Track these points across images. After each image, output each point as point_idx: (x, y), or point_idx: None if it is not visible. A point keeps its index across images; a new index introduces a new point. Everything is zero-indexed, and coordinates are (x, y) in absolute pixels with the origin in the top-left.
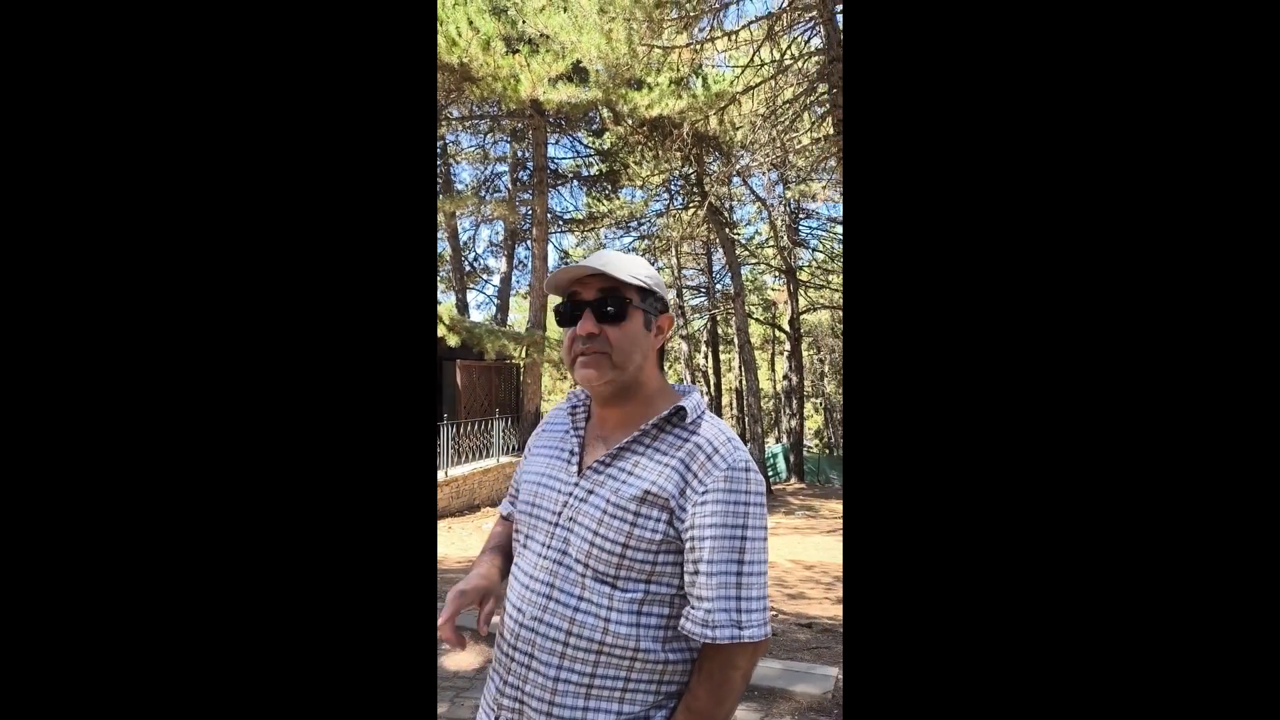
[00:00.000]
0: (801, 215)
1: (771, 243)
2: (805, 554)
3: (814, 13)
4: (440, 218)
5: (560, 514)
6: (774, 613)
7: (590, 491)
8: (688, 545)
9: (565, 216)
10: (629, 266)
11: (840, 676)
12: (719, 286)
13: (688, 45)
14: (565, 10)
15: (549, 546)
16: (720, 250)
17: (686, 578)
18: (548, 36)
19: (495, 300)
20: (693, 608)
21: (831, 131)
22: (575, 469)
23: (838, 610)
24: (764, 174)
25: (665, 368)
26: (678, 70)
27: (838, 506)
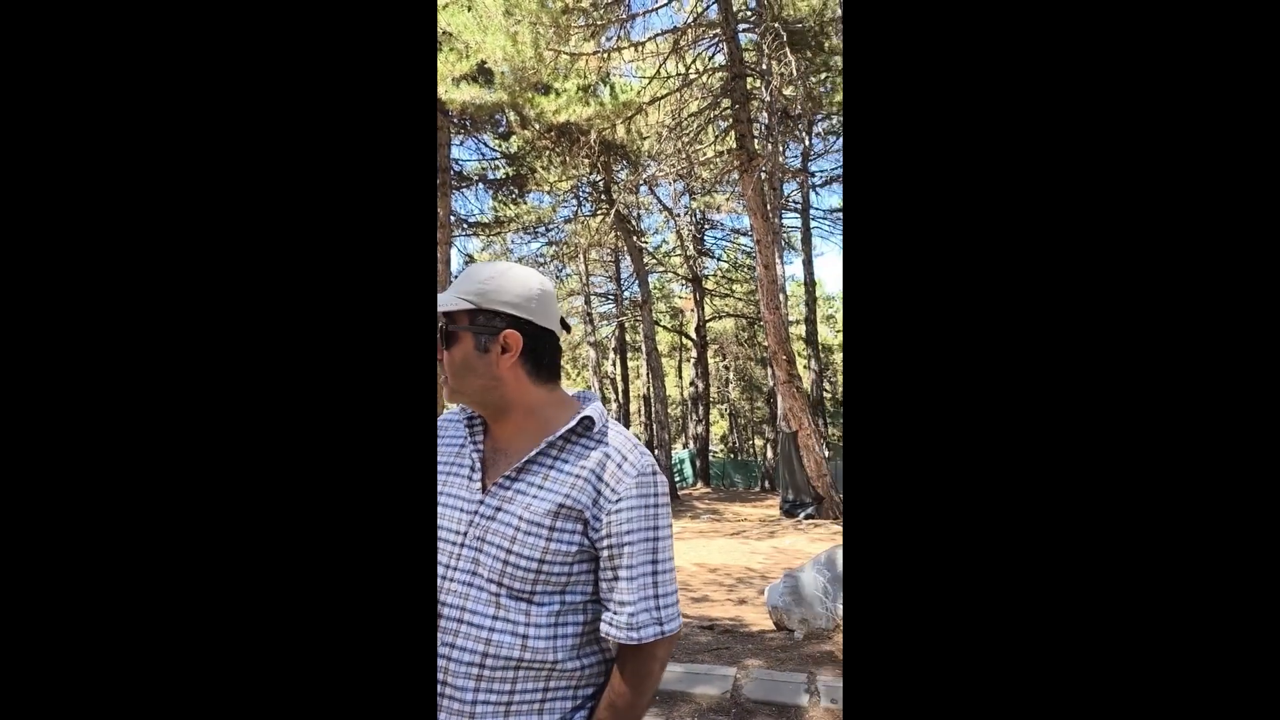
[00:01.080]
0: (707, 226)
1: (678, 251)
2: (709, 557)
3: (717, 31)
4: None
5: (466, 534)
6: None
7: (498, 509)
8: (605, 553)
9: (470, 220)
10: (467, 285)
11: (737, 675)
12: (627, 294)
13: (595, 53)
14: (469, 9)
15: (455, 569)
16: (628, 258)
17: (603, 584)
18: (450, 34)
19: None
20: (614, 612)
21: (734, 146)
22: (478, 485)
23: (739, 611)
24: (670, 184)
25: (561, 377)
26: (585, 77)
27: (741, 509)
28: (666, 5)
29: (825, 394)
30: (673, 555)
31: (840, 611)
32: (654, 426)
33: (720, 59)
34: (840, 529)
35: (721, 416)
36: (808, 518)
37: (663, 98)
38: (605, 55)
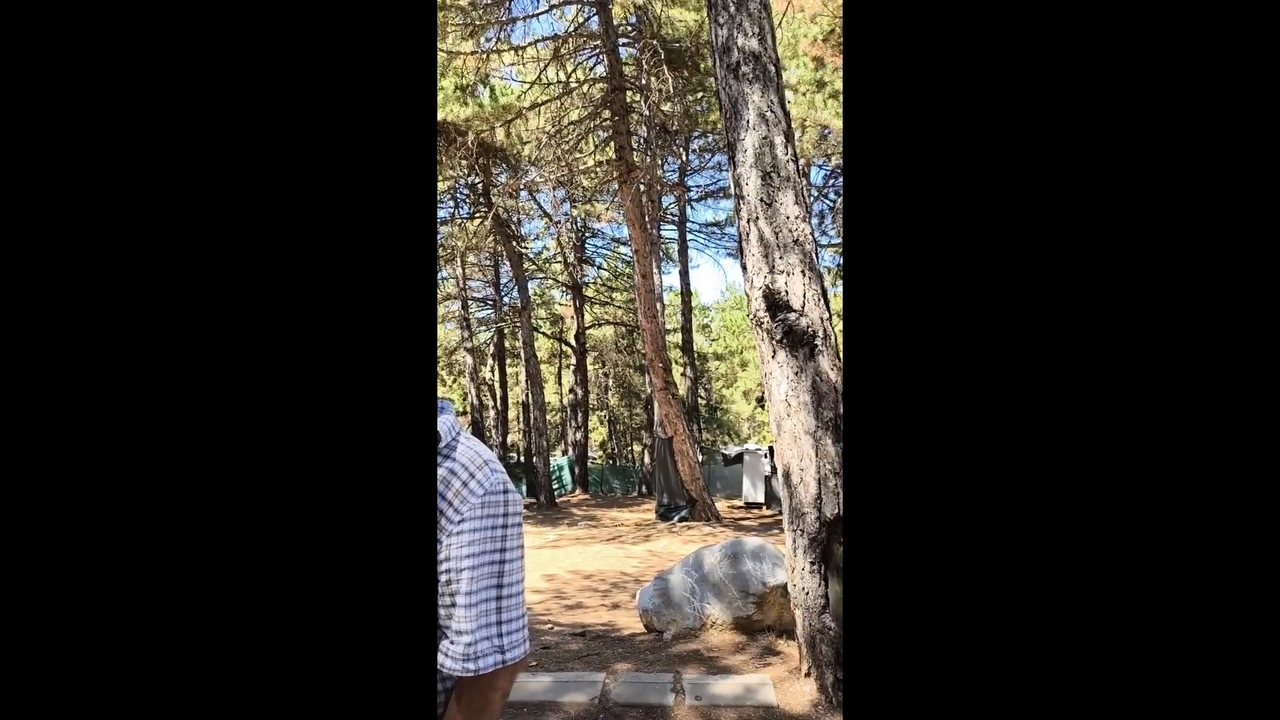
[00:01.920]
0: (588, 234)
1: (559, 258)
2: (585, 564)
3: (598, 42)
4: None
5: None
6: (549, 625)
7: None
8: (443, 578)
9: None
10: None
11: (606, 680)
12: (506, 299)
13: (473, 53)
14: None
15: None
16: (507, 263)
17: (440, 610)
18: None
19: None
20: (451, 642)
21: (614, 156)
22: None
23: (612, 616)
24: (551, 191)
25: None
26: (463, 76)
27: (619, 515)
28: (548, 12)
29: (700, 400)
30: (522, 578)
31: (706, 610)
32: (532, 434)
33: (601, 70)
34: (711, 530)
35: (601, 423)
36: (681, 520)
37: (544, 104)
38: (484, 56)
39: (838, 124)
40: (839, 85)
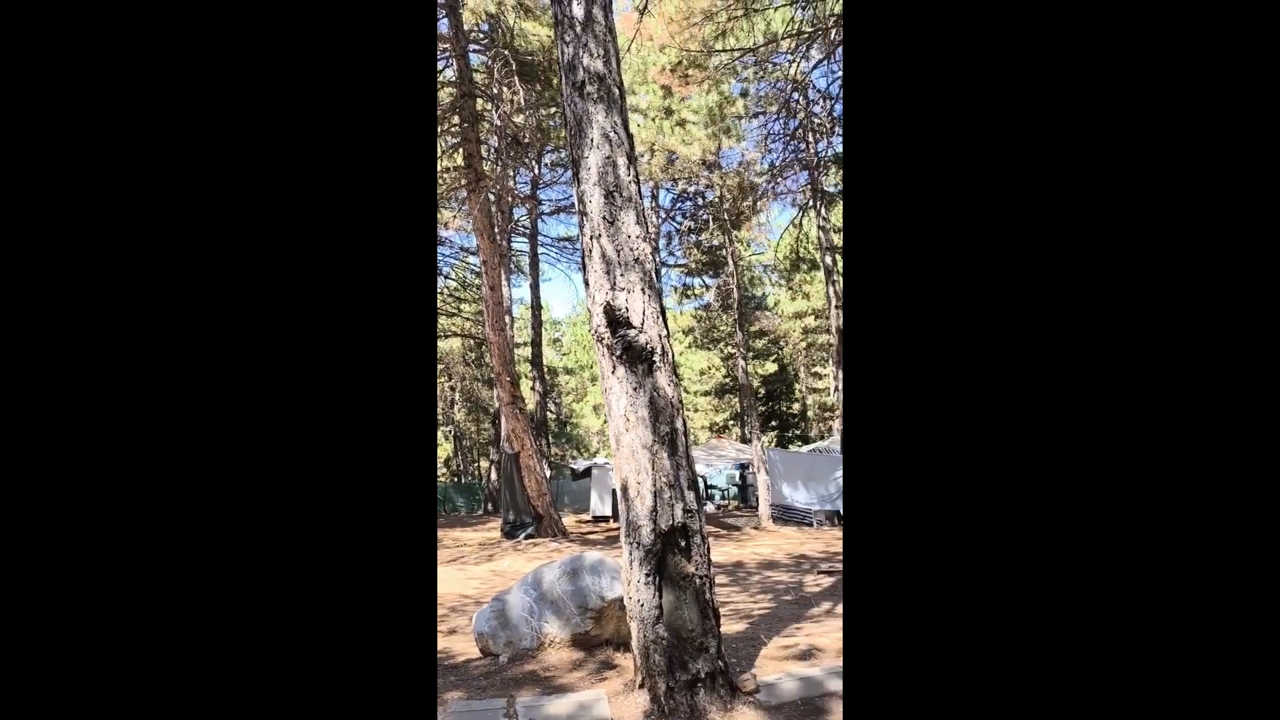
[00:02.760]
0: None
1: None
2: None
3: (447, 45)
4: None
5: None
6: None
7: None
8: None
9: None
10: None
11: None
12: None
13: None
14: None
15: None
16: None
17: None
18: None
19: None
20: None
21: (462, 163)
22: None
23: (448, 643)
24: None
25: None
26: None
27: (462, 535)
28: None
29: (550, 414)
30: None
31: (544, 629)
32: None
33: (450, 74)
34: (557, 546)
35: (446, 439)
36: (528, 538)
37: None
38: None
39: (684, 150)
40: (685, 114)
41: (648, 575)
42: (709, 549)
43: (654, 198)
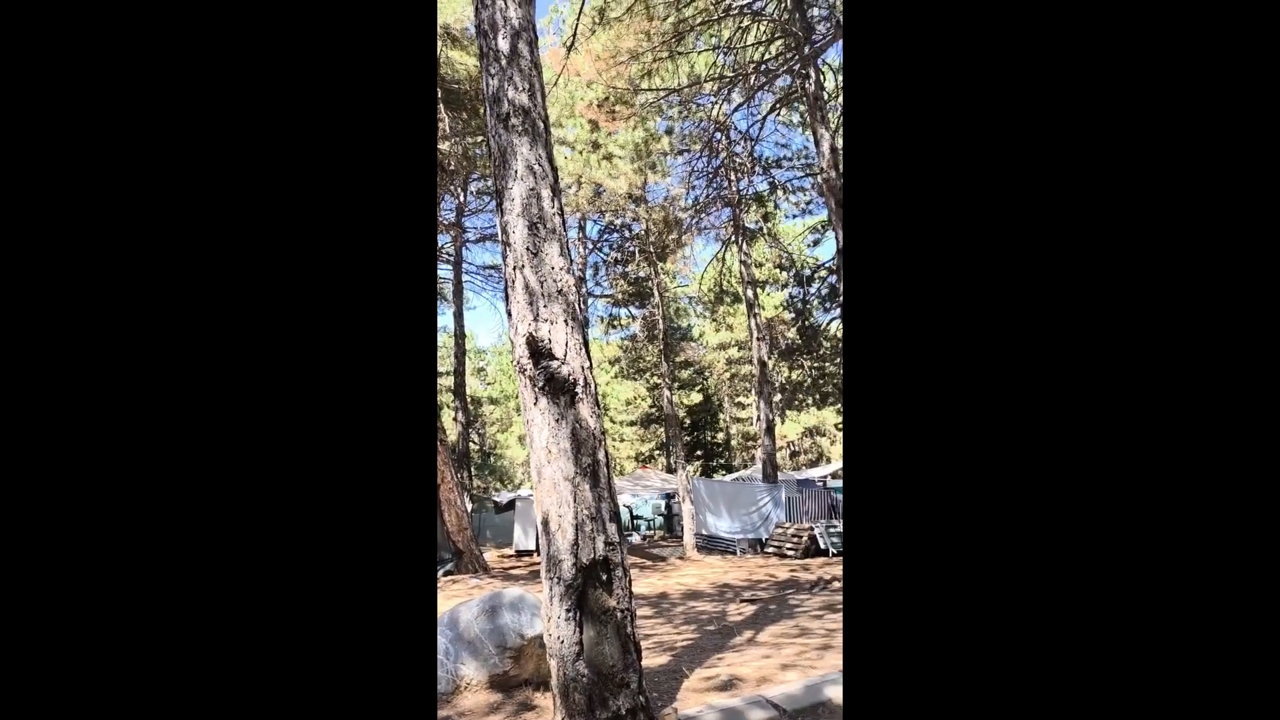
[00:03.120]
0: None
1: None
2: None
3: None
4: None
5: None
6: None
7: None
8: None
9: None
10: None
11: None
12: None
13: None
14: None
15: None
16: None
17: None
18: None
19: None
20: None
21: None
22: None
23: None
24: None
25: None
26: None
27: None
28: None
29: (473, 445)
30: None
31: (461, 671)
32: None
33: None
34: (478, 582)
35: None
36: (447, 574)
37: None
38: None
39: (611, 183)
40: (612, 149)
41: (568, 610)
42: (630, 581)
43: (581, 229)
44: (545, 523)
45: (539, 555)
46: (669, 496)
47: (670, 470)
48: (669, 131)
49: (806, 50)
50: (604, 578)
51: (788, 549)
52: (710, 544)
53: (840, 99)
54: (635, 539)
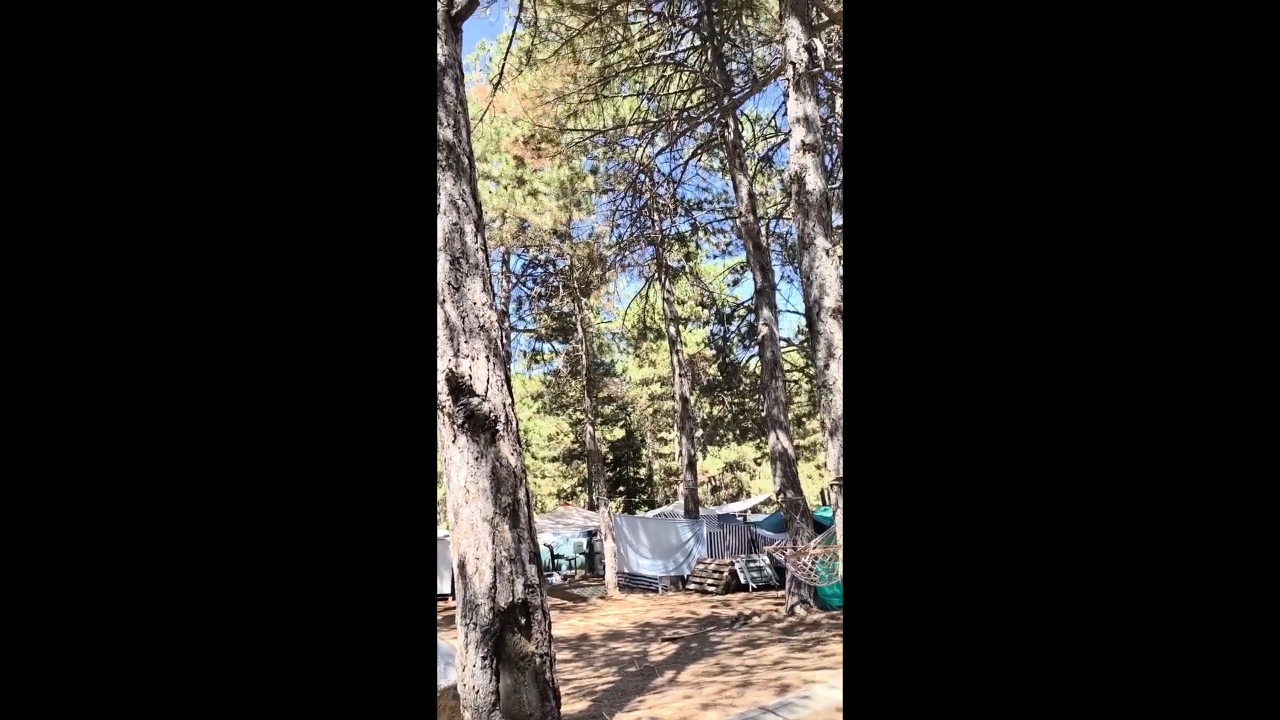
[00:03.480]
0: None
1: None
2: None
3: None
4: None
5: None
6: None
7: None
8: None
9: None
10: None
11: None
12: None
13: None
14: None
15: None
16: None
17: None
18: None
19: None
20: None
21: None
22: None
23: None
24: None
25: None
26: None
27: None
28: None
29: None
30: None
31: None
32: None
33: None
34: None
35: None
36: None
37: None
38: None
39: (536, 219)
40: (538, 185)
41: (484, 658)
42: (550, 624)
43: (505, 262)
44: (462, 565)
45: (454, 600)
46: (591, 534)
47: (593, 507)
48: (594, 171)
49: (725, 101)
50: (523, 622)
51: (709, 585)
52: (633, 582)
53: (756, 148)
54: (556, 579)
